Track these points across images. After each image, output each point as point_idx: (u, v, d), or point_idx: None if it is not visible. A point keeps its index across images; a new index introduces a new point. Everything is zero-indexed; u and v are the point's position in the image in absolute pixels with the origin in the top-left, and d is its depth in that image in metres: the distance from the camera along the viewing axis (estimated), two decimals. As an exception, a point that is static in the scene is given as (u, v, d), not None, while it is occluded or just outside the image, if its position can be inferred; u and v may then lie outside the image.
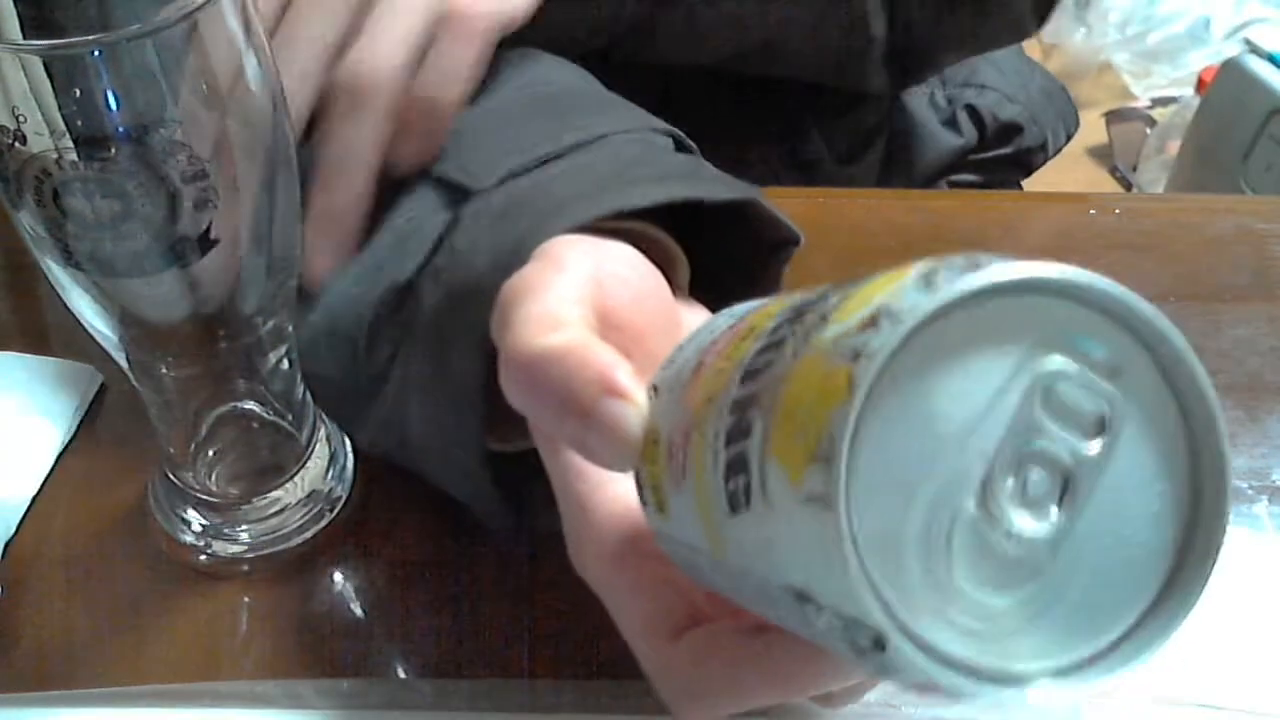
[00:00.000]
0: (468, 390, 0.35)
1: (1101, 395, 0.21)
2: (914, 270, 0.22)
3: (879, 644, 0.21)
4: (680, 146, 0.42)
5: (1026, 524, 0.21)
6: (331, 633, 0.40)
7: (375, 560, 0.42)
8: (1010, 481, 0.21)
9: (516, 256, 0.32)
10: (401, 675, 0.38)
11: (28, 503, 0.43)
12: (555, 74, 0.44)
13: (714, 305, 0.36)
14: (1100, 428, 0.21)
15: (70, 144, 0.29)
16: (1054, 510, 0.21)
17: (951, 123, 0.73)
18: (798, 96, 0.64)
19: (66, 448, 0.45)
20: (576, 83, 0.44)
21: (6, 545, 0.41)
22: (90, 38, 0.28)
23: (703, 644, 0.29)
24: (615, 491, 0.31)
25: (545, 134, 0.40)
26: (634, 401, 0.26)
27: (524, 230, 0.34)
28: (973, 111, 0.73)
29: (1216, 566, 0.22)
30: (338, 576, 0.41)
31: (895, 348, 0.20)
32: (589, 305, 0.30)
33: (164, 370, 0.37)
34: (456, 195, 0.39)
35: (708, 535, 0.25)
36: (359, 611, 0.40)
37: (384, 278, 0.38)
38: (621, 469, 0.27)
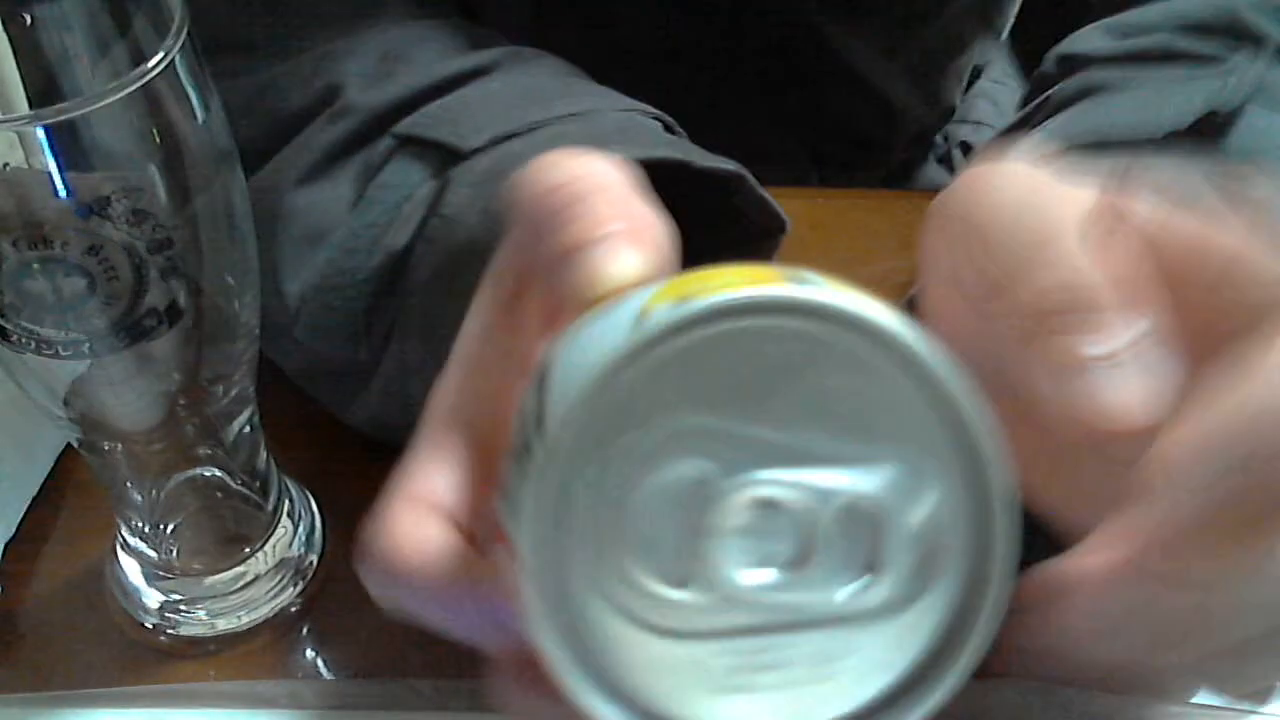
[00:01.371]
0: None
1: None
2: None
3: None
4: (669, 131, 0.42)
5: (693, 599, 0.19)
6: (333, 633, 0.40)
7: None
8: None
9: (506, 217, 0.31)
10: (401, 675, 0.38)
11: (28, 502, 0.43)
12: (543, 69, 0.44)
13: None
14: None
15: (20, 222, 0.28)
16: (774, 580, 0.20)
17: (945, 160, 0.72)
18: (803, 97, 0.63)
19: (69, 445, 0.45)
20: (565, 75, 0.44)
21: (7, 545, 0.41)
22: (37, 112, 0.27)
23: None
24: None
25: (536, 105, 0.39)
26: None
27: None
28: (967, 149, 0.71)
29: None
30: (336, 581, 0.41)
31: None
32: None
33: (117, 446, 0.35)
34: (444, 158, 0.38)
35: None
36: (359, 611, 0.40)
37: (379, 249, 0.38)
38: None
